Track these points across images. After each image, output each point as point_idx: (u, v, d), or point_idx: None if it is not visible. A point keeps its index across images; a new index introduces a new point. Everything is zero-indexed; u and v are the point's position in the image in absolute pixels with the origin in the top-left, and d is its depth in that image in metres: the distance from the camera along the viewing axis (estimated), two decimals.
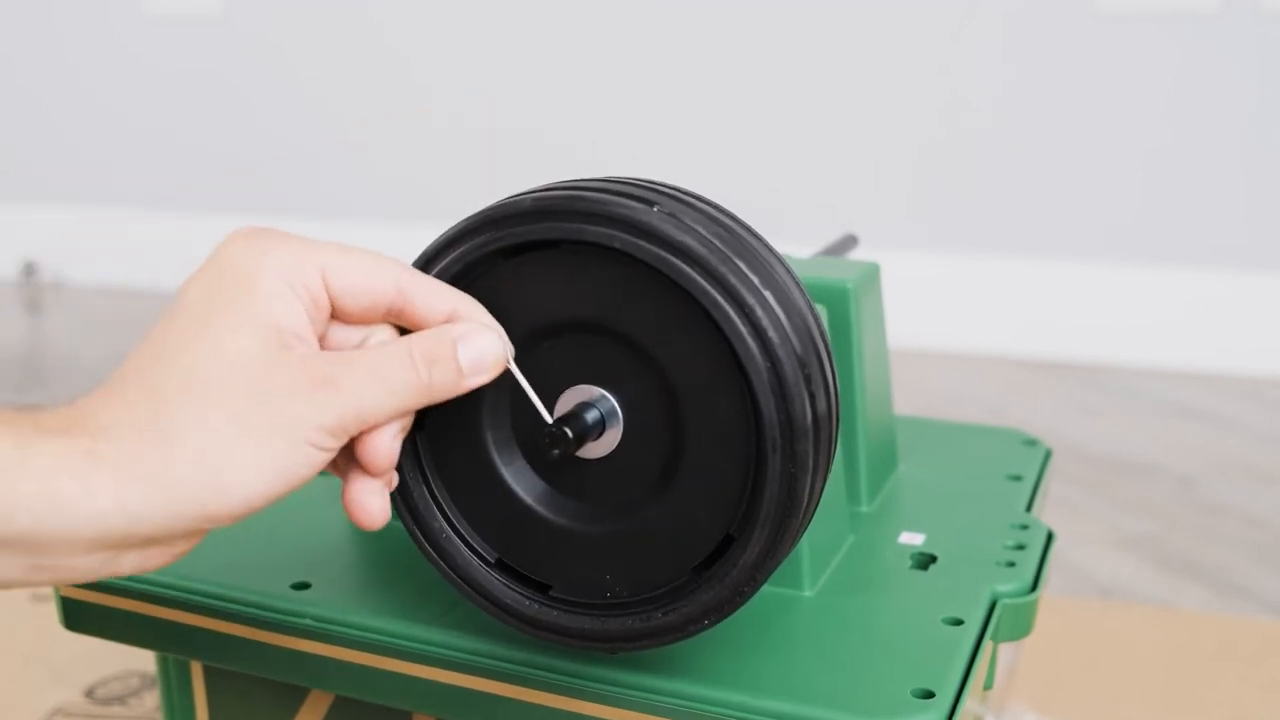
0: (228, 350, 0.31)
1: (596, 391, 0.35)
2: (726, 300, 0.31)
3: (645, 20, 1.58)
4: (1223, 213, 1.42)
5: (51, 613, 0.74)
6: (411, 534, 0.37)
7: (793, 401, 0.31)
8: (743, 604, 0.34)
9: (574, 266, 0.34)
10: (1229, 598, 0.85)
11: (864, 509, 0.51)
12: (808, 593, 0.42)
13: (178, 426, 0.31)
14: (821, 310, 0.49)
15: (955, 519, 0.50)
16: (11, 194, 1.95)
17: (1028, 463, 0.57)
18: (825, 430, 0.33)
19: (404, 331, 0.34)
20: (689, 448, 0.34)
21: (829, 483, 0.45)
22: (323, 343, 0.33)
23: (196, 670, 0.47)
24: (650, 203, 0.32)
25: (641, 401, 0.34)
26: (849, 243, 0.66)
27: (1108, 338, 1.47)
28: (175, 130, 1.84)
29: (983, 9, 1.45)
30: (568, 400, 0.35)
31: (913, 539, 0.47)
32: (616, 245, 0.32)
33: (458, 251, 0.34)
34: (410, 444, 0.37)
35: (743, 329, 0.31)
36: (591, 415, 0.35)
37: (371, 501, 0.33)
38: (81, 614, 0.45)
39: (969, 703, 0.37)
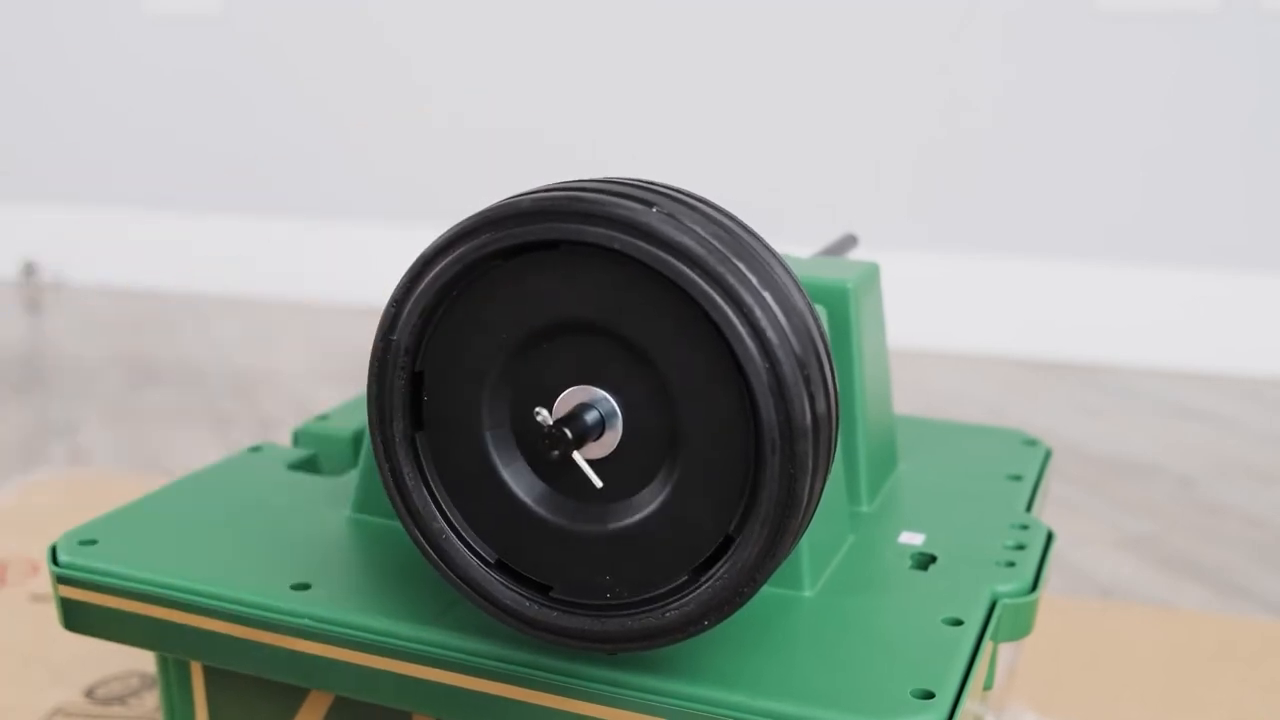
0: None
1: (596, 393, 0.35)
2: (725, 301, 0.31)
3: (645, 20, 1.58)
4: (1223, 213, 1.42)
5: (51, 613, 0.74)
6: (411, 535, 0.37)
7: (792, 402, 0.32)
8: (743, 604, 0.34)
9: (573, 267, 0.34)
10: (1229, 598, 0.85)
11: (864, 509, 0.51)
12: (807, 593, 0.42)
13: None
14: (821, 310, 0.49)
15: (955, 519, 0.50)
16: (11, 194, 1.95)
17: (1028, 463, 0.58)
18: (825, 430, 0.33)
19: None
20: (688, 448, 0.34)
21: (829, 483, 0.45)
22: None
23: (196, 670, 0.47)
24: (649, 203, 0.33)
25: (641, 402, 0.34)
26: (849, 243, 0.66)
27: (1108, 338, 1.47)
28: (175, 130, 1.84)
29: (983, 9, 1.45)
30: (567, 401, 0.35)
31: (913, 539, 0.48)
32: (616, 246, 0.32)
33: (457, 253, 0.34)
34: (410, 444, 0.37)
35: (741, 329, 0.31)
36: (591, 416, 0.35)
37: None
38: (81, 614, 0.45)
39: (969, 703, 0.37)
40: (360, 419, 0.58)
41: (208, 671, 0.46)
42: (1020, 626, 0.43)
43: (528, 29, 1.64)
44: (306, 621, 0.41)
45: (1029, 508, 0.52)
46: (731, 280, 0.31)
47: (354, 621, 0.41)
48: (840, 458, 0.47)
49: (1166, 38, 1.39)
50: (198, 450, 1.14)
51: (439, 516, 0.37)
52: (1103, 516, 1.00)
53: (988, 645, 0.40)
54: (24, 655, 0.71)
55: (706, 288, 0.32)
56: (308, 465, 0.56)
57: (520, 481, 0.36)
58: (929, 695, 0.36)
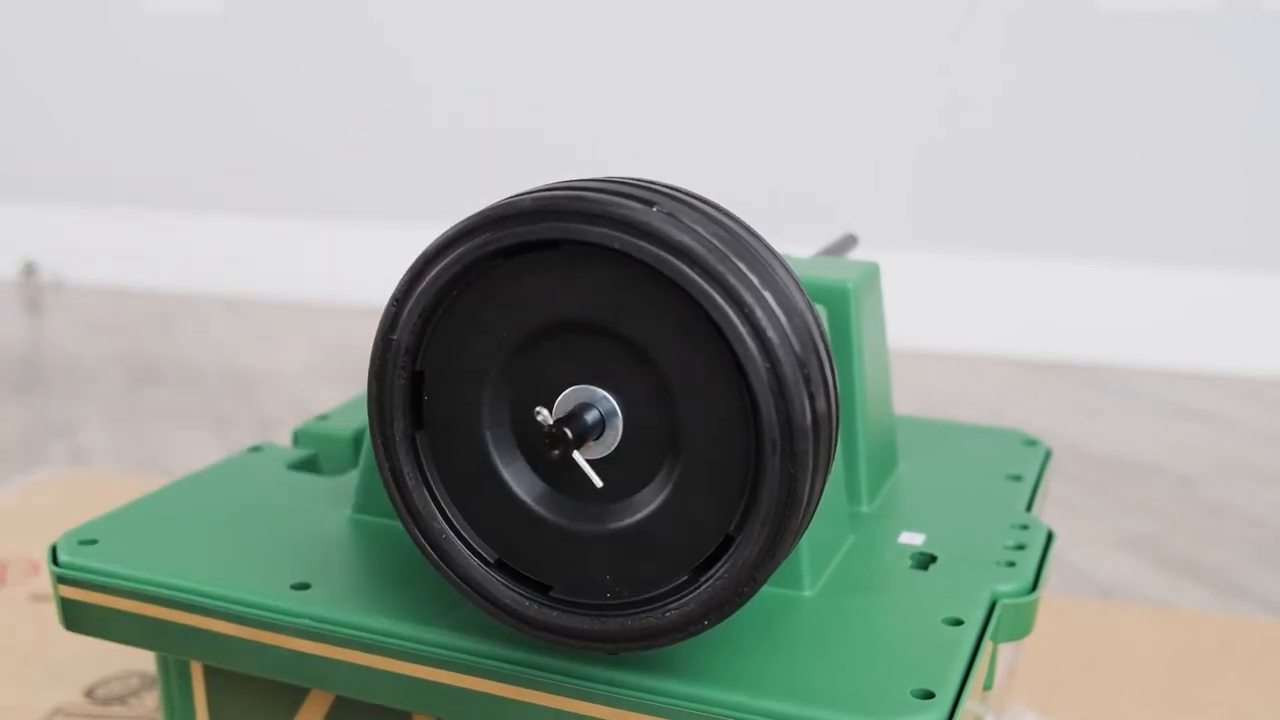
0: None
1: (597, 392, 0.35)
2: (726, 300, 0.31)
3: (644, 20, 1.58)
4: (1223, 213, 1.42)
5: (51, 613, 0.74)
6: (411, 535, 0.37)
7: (792, 402, 0.32)
8: (743, 604, 0.34)
9: (574, 267, 0.34)
10: (1229, 598, 0.85)
11: (864, 509, 0.51)
12: (807, 593, 0.42)
13: None
14: (821, 310, 0.49)
15: (955, 519, 0.50)
16: (11, 194, 1.95)
17: (1028, 463, 0.58)
18: (825, 430, 0.33)
19: None
20: (688, 448, 0.34)
21: (829, 483, 0.45)
22: None
23: (196, 670, 0.47)
24: (650, 203, 0.33)
25: (641, 402, 0.34)
26: (849, 243, 0.66)
27: (1108, 338, 1.47)
28: (175, 130, 1.84)
29: (983, 9, 1.45)
30: (567, 401, 0.35)
31: (913, 539, 0.48)
32: (616, 245, 0.32)
33: (457, 252, 0.34)
34: (410, 445, 0.37)
35: (742, 329, 0.31)
36: (591, 416, 0.35)
37: None
38: (80, 614, 0.45)
39: (969, 703, 0.37)
40: (360, 419, 0.58)
41: (208, 671, 0.46)
42: (1020, 626, 0.43)
43: (528, 29, 1.64)
44: (306, 621, 0.41)
45: (1029, 508, 0.52)
46: (732, 280, 0.31)
47: (354, 621, 0.41)
48: (840, 458, 0.47)
49: (1166, 38, 1.39)
50: (198, 450, 1.14)
51: (439, 516, 0.37)
52: (1103, 516, 1.00)
53: (988, 645, 0.40)
54: (24, 655, 0.71)
55: (707, 287, 0.32)
56: (308, 465, 0.56)
57: (520, 481, 0.36)
58: (929, 695, 0.36)
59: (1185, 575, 0.89)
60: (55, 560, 0.46)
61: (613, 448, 0.35)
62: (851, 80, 1.52)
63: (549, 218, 0.33)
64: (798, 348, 0.32)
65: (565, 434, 0.34)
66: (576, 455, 0.34)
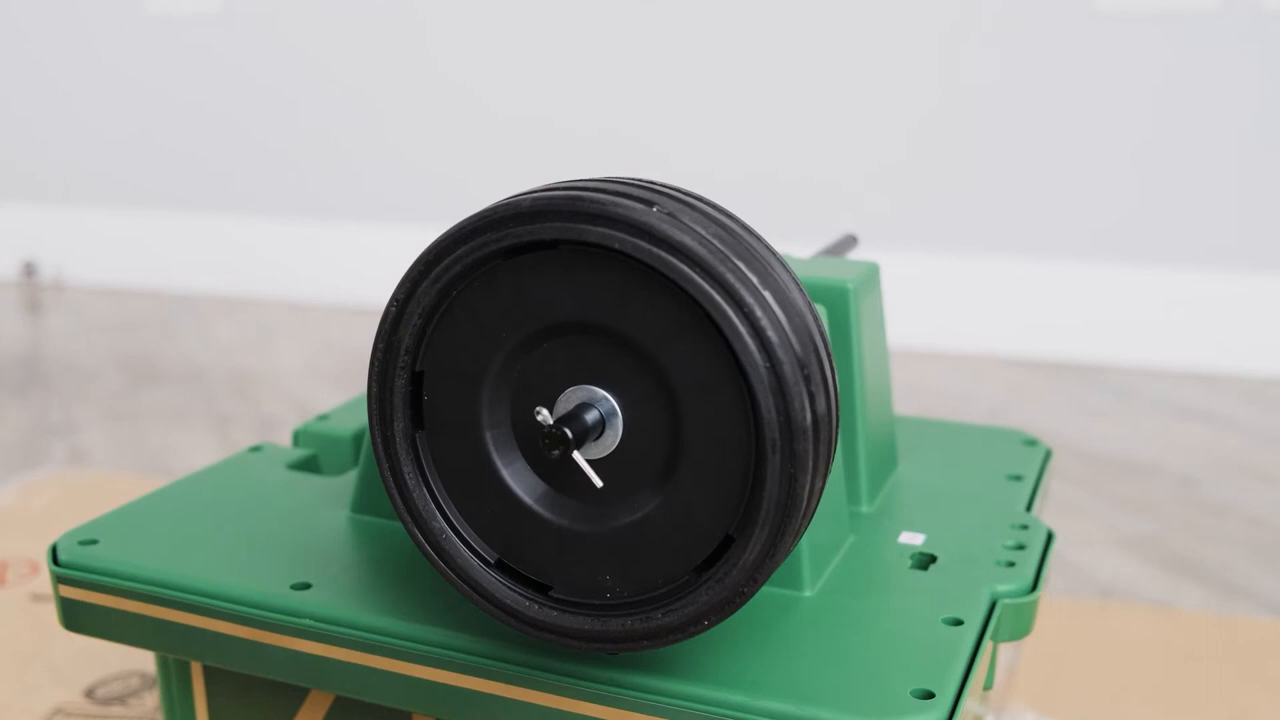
0: None
1: (596, 392, 0.35)
2: (725, 300, 0.31)
3: (644, 21, 1.58)
4: (1223, 213, 1.42)
5: (51, 613, 0.74)
6: (412, 535, 0.37)
7: (792, 401, 0.32)
8: (743, 604, 0.34)
9: (574, 267, 0.34)
10: (1229, 598, 0.85)
11: (864, 509, 0.51)
12: (807, 593, 0.42)
13: None
14: (821, 310, 0.49)
15: (955, 519, 0.50)
16: (11, 194, 1.95)
17: (1028, 463, 0.58)
18: (825, 430, 0.33)
19: None
20: (688, 448, 0.34)
21: (829, 483, 0.45)
22: None
23: (196, 670, 0.47)
24: (649, 203, 0.33)
25: (641, 402, 0.34)
26: (849, 243, 0.66)
27: (1108, 338, 1.47)
28: (175, 130, 1.84)
29: (983, 9, 1.45)
30: (567, 400, 0.35)
31: (913, 539, 0.47)
32: (616, 245, 0.32)
33: (457, 253, 0.34)
34: (410, 445, 0.37)
35: (741, 329, 0.31)
36: (591, 416, 0.35)
37: None
38: (80, 614, 0.45)
39: (969, 703, 0.37)
40: (360, 419, 0.58)
41: (208, 671, 0.46)
42: (1020, 626, 0.43)
43: (529, 31, 1.64)
44: (306, 621, 0.41)
45: (1029, 508, 0.52)
46: (732, 280, 0.31)
47: (354, 621, 0.41)
48: (840, 458, 0.47)
49: (1166, 37, 1.39)
50: (198, 450, 1.14)
51: (439, 516, 0.37)
52: (1103, 516, 1.00)
53: (988, 645, 0.40)
54: (24, 655, 0.71)
55: (707, 287, 0.32)
56: (308, 465, 0.56)
57: (521, 481, 0.36)
58: (929, 695, 0.36)
59: (1185, 575, 0.89)
60: (55, 560, 0.46)
61: (613, 448, 0.35)
62: (851, 80, 1.52)
63: (548, 218, 0.33)
64: (797, 347, 0.32)
65: (565, 434, 0.34)
66: (576, 455, 0.34)
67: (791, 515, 0.32)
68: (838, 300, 0.50)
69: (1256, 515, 1.00)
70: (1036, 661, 0.72)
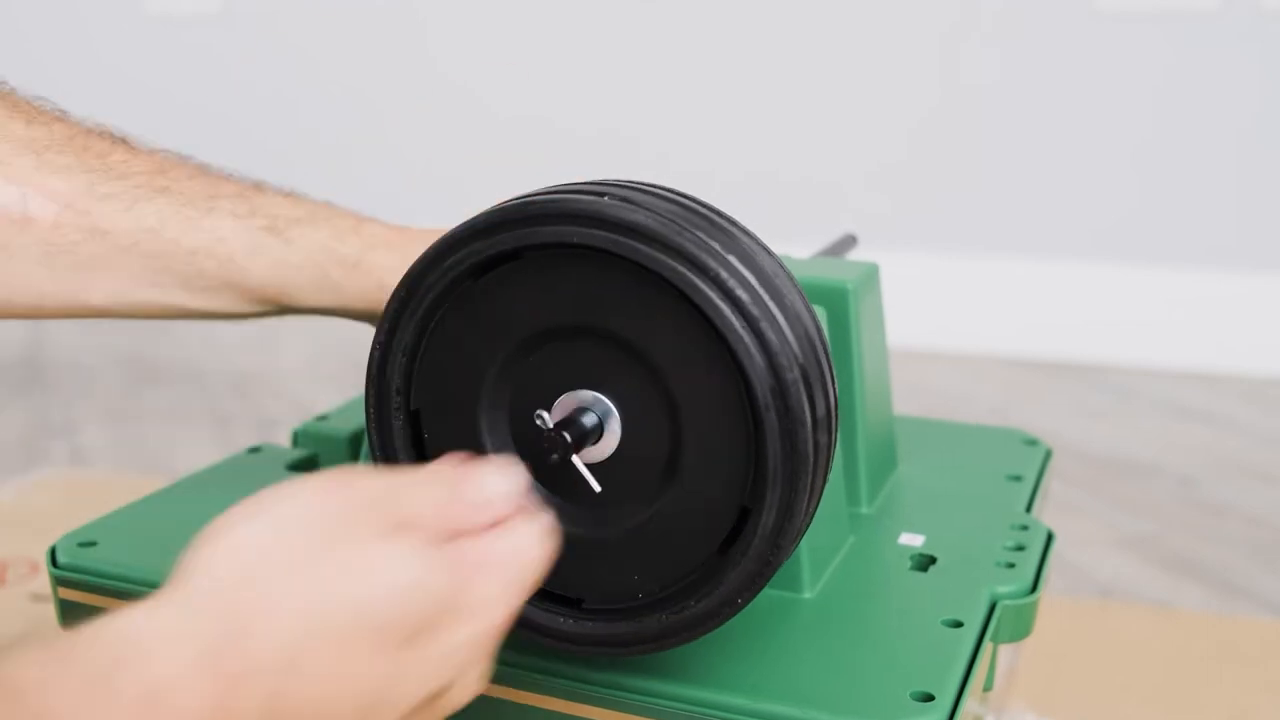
0: None
1: (589, 395, 0.35)
2: (689, 269, 0.32)
3: (644, 21, 1.58)
4: (1223, 213, 1.42)
5: (51, 612, 0.74)
6: None
7: (776, 355, 0.32)
8: (771, 575, 0.33)
9: (541, 273, 0.34)
10: (1229, 598, 0.85)
11: (864, 510, 0.51)
12: (807, 595, 0.42)
13: None
14: (821, 311, 0.49)
15: (955, 520, 0.50)
16: None
17: (1028, 463, 0.57)
18: (818, 382, 0.33)
19: None
20: (688, 430, 0.34)
21: (829, 484, 0.45)
22: None
23: None
24: (599, 194, 0.33)
25: (634, 394, 0.34)
26: (848, 242, 0.66)
27: (1108, 338, 1.47)
28: (175, 130, 1.84)
29: (983, 9, 1.45)
30: (562, 408, 0.35)
31: (912, 540, 0.47)
32: (574, 240, 0.32)
33: (428, 280, 0.35)
34: None
35: (712, 294, 0.32)
36: (588, 419, 0.35)
37: None
38: (80, 616, 0.45)
39: (969, 704, 0.37)
40: (360, 419, 0.58)
41: None
42: (1020, 627, 0.43)
43: (529, 31, 1.64)
44: None
45: (1029, 508, 0.52)
46: (692, 248, 0.32)
47: None
48: (840, 459, 0.47)
49: (1166, 37, 1.39)
50: (198, 450, 1.14)
51: None
52: (1103, 516, 1.00)
53: (988, 647, 0.40)
54: None
55: (667, 259, 0.32)
56: (307, 465, 0.56)
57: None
58: (928, 698, 0.36)
59: (1185, 575, 0.89)
60: (54, 563, 0.45)
61: (615, 447, 0.35)
62: (851, 80, 1.52)
63: (504, 229, 0.33)
64: (771, 304, 0.32)
65: (563, 438, 0.34)
66: (575, 460, 0.34)
67: (799, 472, 0.32)
68: (837, 301, 0.50)
69: (1256, 515, 1.00)
70: (1036, 661, 0.71)
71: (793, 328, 0.32)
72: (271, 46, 1.77)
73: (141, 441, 1.18)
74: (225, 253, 0.47)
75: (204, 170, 0.50)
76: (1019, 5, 1.44)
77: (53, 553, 0.46)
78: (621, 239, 0.32)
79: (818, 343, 0.34)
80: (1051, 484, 0.60)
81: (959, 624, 0.40)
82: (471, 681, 0.31)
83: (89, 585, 0.44)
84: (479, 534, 0.31)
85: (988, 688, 0.41)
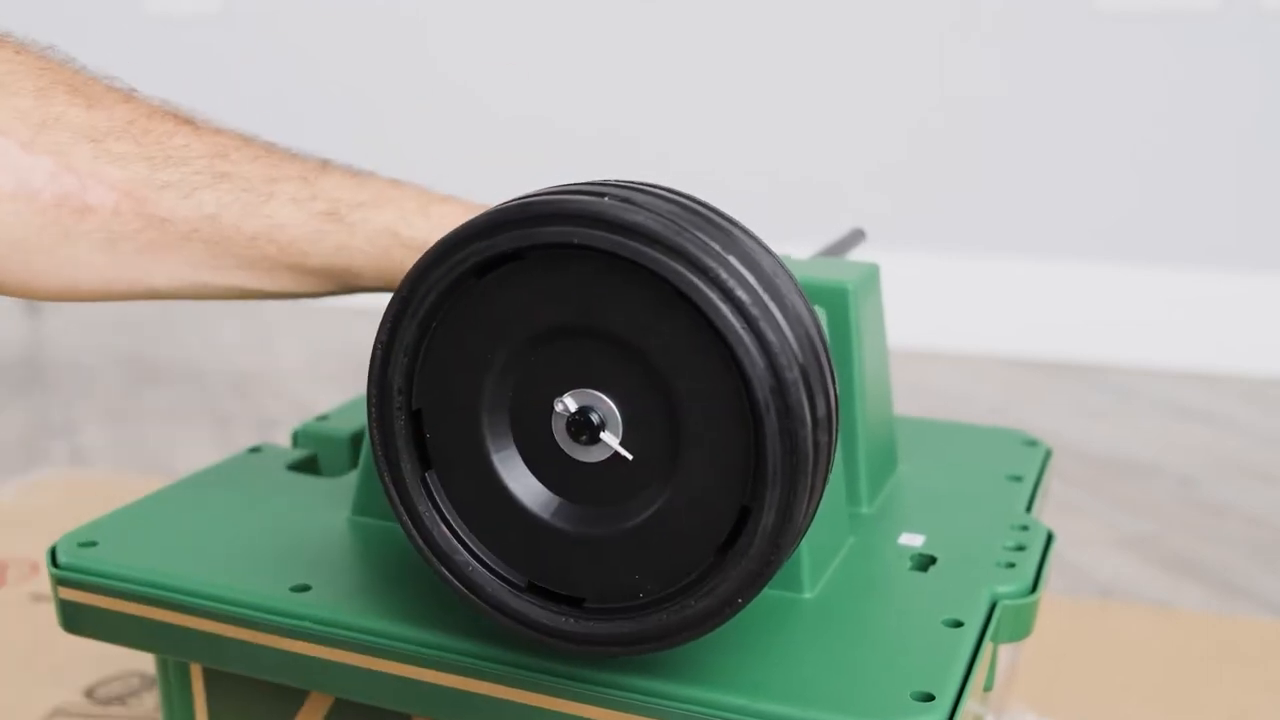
0: None
1: (591, 395, 0.35)
2: (689, 269, 0.32)
3: (644, 21, 1.58)
4: (1222, 213, 1.42)
5: (51, 613, 0.74)
6: (438, 573, 0.37)
7: (776, 355, 0.32)
8: (772, 575, 0.33)
9: (542, 273, 0.34)
10: (1229, 598, 0.85)
11: (864, 510, 0.51)
12: (807, 594, 0.42)
13: None
14: (821, 312, 0.49)
15: (955, 520, 0.50)
16: None
17: (1028, 463, 0.57)
18: (818, 382, 0.33)
19: None
20: (688, 429, 0.34)
21: (829, 484, 0.45)
22: None
23: (196, 672, 0.47)
24: (600, 194, 0.33)
25: (635, 394, 0.34)
26: (856, 237, 0.66)
27: (1108, 338, 1.47)
28: None
29: (982, 8, 1.45)
30: (565, 409, 0.35)
31: (912, 540, 0.47)
32: (575, 241, 0.32)
33: (429, 281, 0.35)
34: (421, 485, 0.37)
35: (712, 295, 0.32)
36: (591, 419, 0.35)
37: None
38: (80, 616, 0.45)
39: (969, 704, 0.37)
40: (360, 419, 0.58)
41: (207, 673, 0.46)
42: (1020, 627, 0.43)
43: (529, 32, 1.64)
44: (306, 623, 0.41)
45: (1029, 508, 0.52)
46: (693, 249, 0.32)
47: (353, 623, 0.41)
48: (840, 459, 0.47)
49: (1167, 37, 1.39)
50: (198, 450, 1.14)
51: (462, 550, 0.37)
52: (1103, 516, 1.00)
53: (988, 646, 0.40)
54: (24, 655, 0.71)
55: (668, 260, 0.32)
56: (307, 466, 0.56)
57: (535, 499, 0.36)
58: (929, 698, 0.36)
59: (1185, 575, 0.89)
60: (55, 563, 0.46)
61: (617, 444, 0.35)
62: (851, 80, 1.52)
63: (504, 229, 0.33)
64: (772, 304, 0.32)
65: (590, 419, 0.34)
66: (606, 435, 0.34)
67: (800, 472, 0.32)
68: (838, 301, 0.50)
69: (1256, 515, 1.00)
70: (1036, 661, 0.72)
71: (793, 328, 0.32)
72: (271, 46, 1.77)
73: (141, 441, 1.18)
74: (286, 238, 0.47)
75: (268, 150, 0.50)
76: (1019, 5, 1.44)
77: (53, 553, 0.46)
78: (622, 240, 0.32)
79: (818, 343, 0.34)
80: (1051, 484, 0.60)
81: (959, 624, 0.40)
82: None
83: (89, 585, 0.44)
84: None
85: (988, 687, 0.41)
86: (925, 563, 0.46)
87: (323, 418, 0.59)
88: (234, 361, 1.49)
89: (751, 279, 0.32)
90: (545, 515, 0.36)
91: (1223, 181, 1.41)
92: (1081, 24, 1.42)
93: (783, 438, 0.32)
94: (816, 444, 0.33)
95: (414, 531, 0.37)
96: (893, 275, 0.67)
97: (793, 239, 1.39)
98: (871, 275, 0.53)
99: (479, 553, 0.37)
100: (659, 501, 0.35)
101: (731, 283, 0.32)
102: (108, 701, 0.67)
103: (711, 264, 0.32)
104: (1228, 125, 1.40)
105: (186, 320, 1.70)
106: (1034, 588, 0.44)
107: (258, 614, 0.42)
